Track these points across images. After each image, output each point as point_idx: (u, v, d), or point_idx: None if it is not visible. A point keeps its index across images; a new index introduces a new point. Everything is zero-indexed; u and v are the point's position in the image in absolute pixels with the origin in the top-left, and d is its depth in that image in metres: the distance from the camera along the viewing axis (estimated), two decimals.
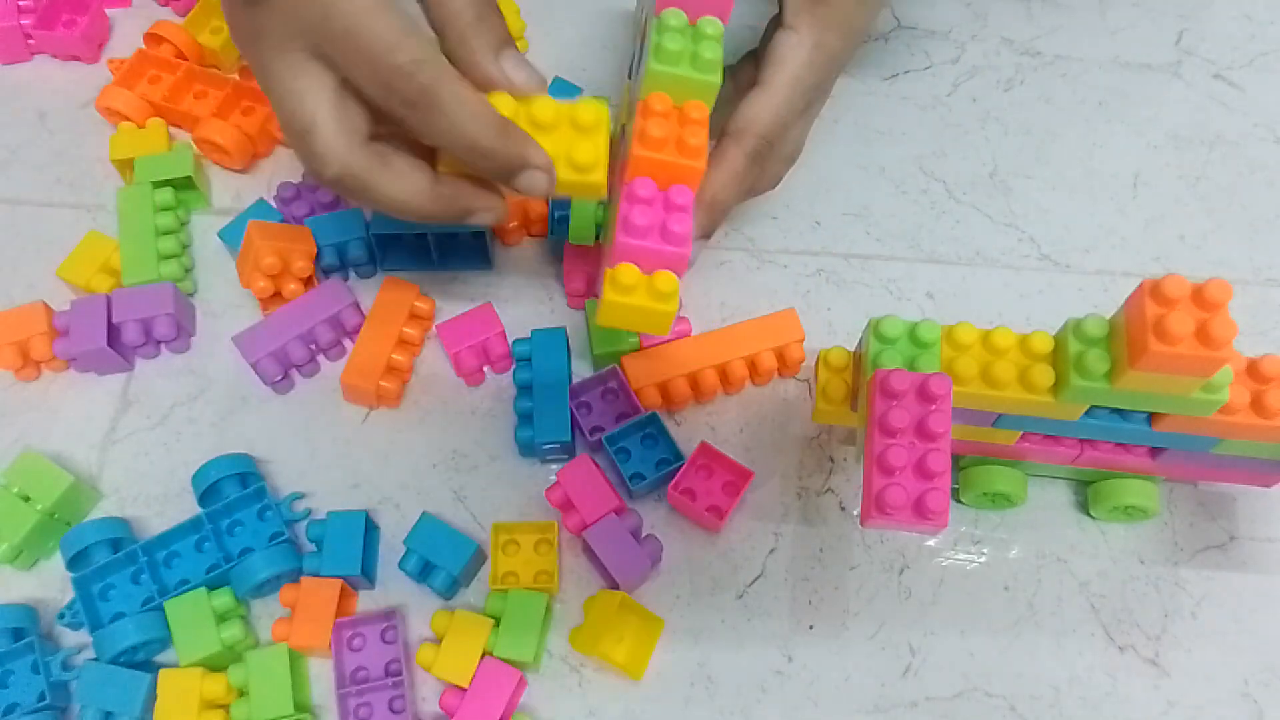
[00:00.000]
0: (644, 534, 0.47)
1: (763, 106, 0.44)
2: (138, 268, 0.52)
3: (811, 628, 0.46)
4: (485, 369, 0.52)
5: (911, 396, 0.39)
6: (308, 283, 0.52)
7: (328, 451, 0.50)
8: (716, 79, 0.41)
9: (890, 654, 0.46)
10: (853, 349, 0.47)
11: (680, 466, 0.47)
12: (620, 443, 0.48)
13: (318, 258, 0.52)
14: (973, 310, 0.53)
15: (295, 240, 0.51)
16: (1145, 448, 0.45)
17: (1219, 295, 0.36)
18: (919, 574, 0.48)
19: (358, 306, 0.52)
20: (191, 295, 0.53)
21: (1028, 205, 0.58)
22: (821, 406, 0.47)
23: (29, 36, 0.60)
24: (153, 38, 0.59)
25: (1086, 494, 0.49)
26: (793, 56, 0.44)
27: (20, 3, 0.60)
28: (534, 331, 0.51)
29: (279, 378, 0.50)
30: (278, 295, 0.52)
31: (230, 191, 0.57)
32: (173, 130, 0.58)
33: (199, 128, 0.56)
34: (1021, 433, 0.44)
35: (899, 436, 0.38)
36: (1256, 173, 0.59)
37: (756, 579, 0.47)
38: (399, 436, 0.50)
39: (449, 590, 0.46)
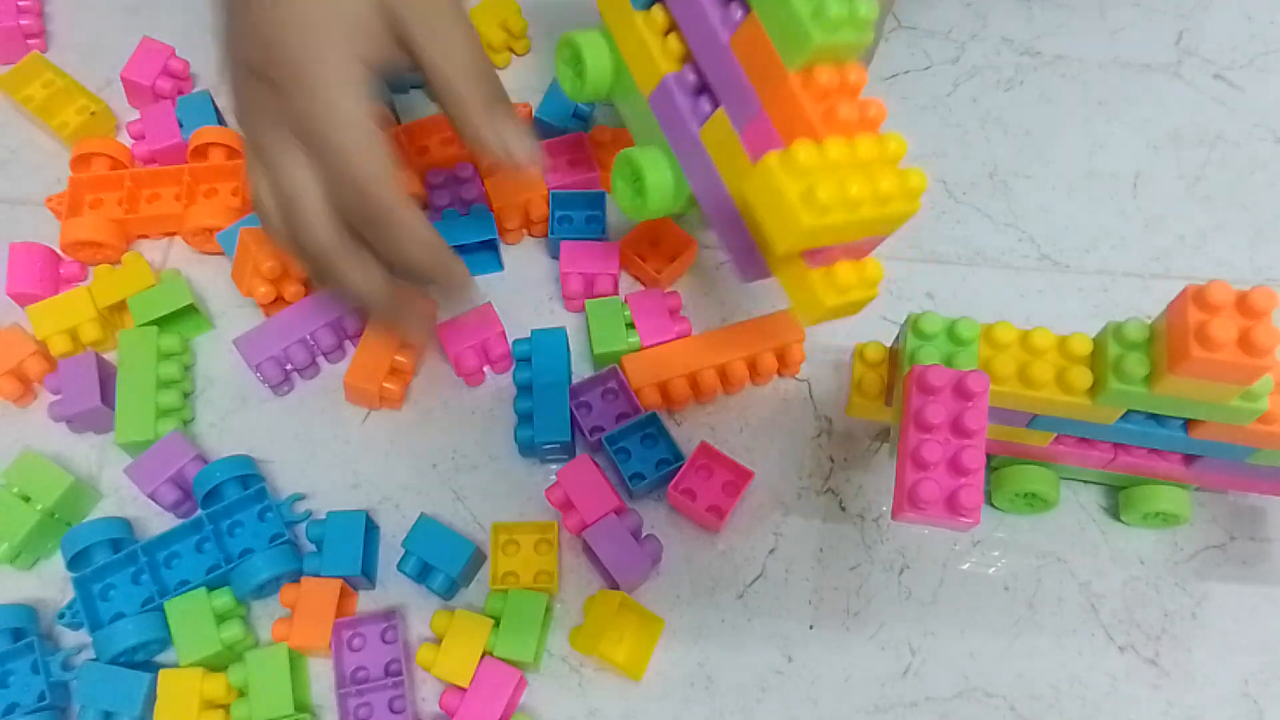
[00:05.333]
0: (644, 534, 0.47)
1: None
2: (133, 427, 0.48)
3: (811, 628, 0.46)
4: (485, 369, 0.52)
5: (948, 392, 0.39)
6: (307, 282, 0.52)
7: (328, 451, 0.50)
8: (871, 36, 0.38)
9: (890, 654, 0.46)
10: (888, 344, 0.47)
11: (680, 466, 0.47)
12: (620, 443, 0.48)
13: None
14: (972, 310, 0.53)
15: None
16: (1180, 454, 0.45)
17: (1263, 303, 0.36)
18: (919, 574, 0.48)
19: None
20: (189, 423, 0.50)
21: (1028, 205, 0.58)
22: (856, 400, 0.47)
23: (29, 36, 0.60)
24: (80, 160, 0.55)
25: (1118, 498, 0.48)
26: None
27: (20, 3, 0.60)
28: (534, 331, 0.51)
29: (280, 380, 0.50)
30: (279, 300, 0.52)
31: None
32: (141, 242, 0.55)
33: (188, 222, 0.53)
34: (1056, 435, 0.44)
35: (934, 432, 0.38)
36: (1256, 173, 0.59)
37: (756, 579, 0.47)
38: (399, 437, 0.50)
39: (448, 591, 0.46)
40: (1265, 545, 0.48)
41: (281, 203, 0.41)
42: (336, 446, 0.50)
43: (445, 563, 0.45)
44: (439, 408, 0.51)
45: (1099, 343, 0.41)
